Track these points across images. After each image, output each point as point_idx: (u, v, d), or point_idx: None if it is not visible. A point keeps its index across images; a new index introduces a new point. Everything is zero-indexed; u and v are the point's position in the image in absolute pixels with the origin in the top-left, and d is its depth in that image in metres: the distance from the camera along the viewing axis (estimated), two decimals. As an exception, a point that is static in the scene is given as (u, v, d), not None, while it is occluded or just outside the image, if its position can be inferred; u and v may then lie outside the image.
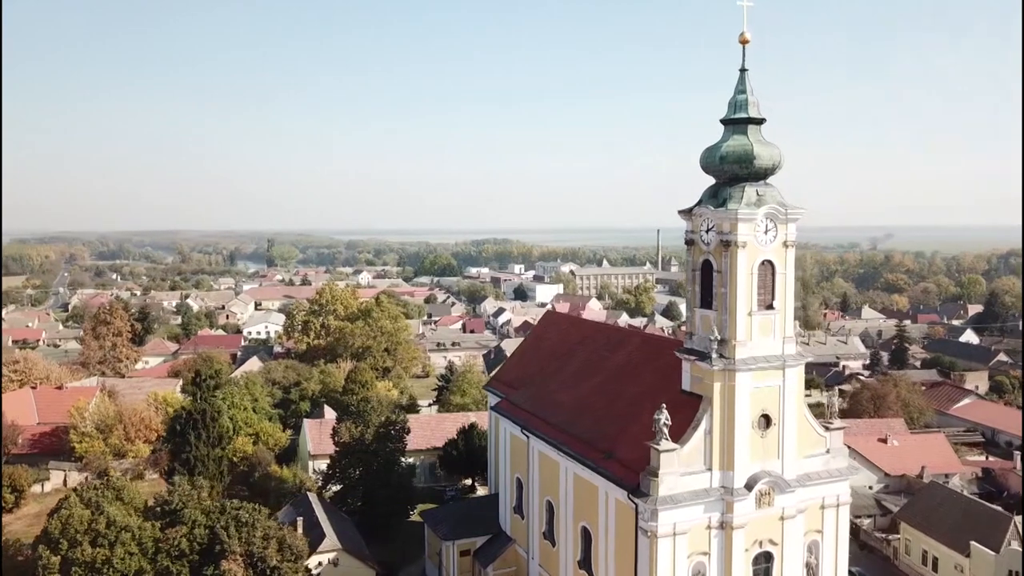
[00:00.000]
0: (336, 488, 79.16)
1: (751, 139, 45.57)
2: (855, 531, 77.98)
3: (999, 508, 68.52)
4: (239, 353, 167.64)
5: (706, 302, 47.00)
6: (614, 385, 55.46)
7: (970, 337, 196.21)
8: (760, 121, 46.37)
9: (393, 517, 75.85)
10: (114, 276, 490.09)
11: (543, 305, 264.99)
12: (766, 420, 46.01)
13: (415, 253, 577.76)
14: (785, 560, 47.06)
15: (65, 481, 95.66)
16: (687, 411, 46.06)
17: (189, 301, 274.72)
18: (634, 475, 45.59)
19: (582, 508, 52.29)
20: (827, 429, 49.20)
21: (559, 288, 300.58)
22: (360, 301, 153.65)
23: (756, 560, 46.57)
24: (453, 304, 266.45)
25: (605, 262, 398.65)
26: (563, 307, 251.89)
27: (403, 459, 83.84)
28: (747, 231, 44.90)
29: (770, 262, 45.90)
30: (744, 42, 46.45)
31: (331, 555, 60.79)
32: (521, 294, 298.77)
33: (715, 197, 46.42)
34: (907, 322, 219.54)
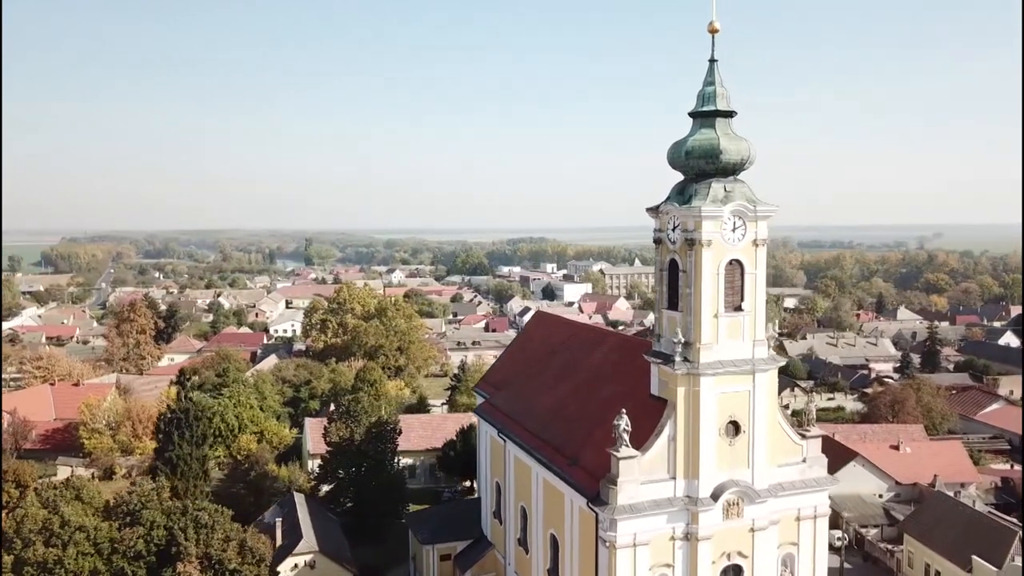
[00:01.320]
0: (328, 488, 78.64)
1: (719, 133, 43.51)
2: (859, 541, 75.16)
3: (1010, 521, 65.08)
4: (259, 351, 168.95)
5: (673, 303, 45.14)
6: (588, 388, 53.74)
7: (1010, 339, 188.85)
8: (729, 114, 44.27)
9: (384, 518, 75.15)
10: (156, 274, 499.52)
11: (570, 305, 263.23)
12: (735, 427, 43.93)
13: (451, 252, 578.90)
14: (756, 574, 44.91)
15: (71, 476, 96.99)
16: (655, 416, 44.20)
17: (221, 299, 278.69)
18: (596, 483, 43.95)
19: (551, 515, 50.78)
20: (803, 437, 46.85)
21: (587, 287, 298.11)
22: (377, 300, 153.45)
23: (724, 573, 44.56)
24: (479, 303, 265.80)
25: (637, 261, 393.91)
26: (590, 306, 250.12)
27: (398, 459, 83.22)
28: (712, 229, 42.89)
29: (739, 262, 43.81)
30: (713, 31, 44.38)
31: (307, 557, 60.07)
32: (549, 293, 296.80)
33: (681, 194, 44.54)
34: (944, 323, 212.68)
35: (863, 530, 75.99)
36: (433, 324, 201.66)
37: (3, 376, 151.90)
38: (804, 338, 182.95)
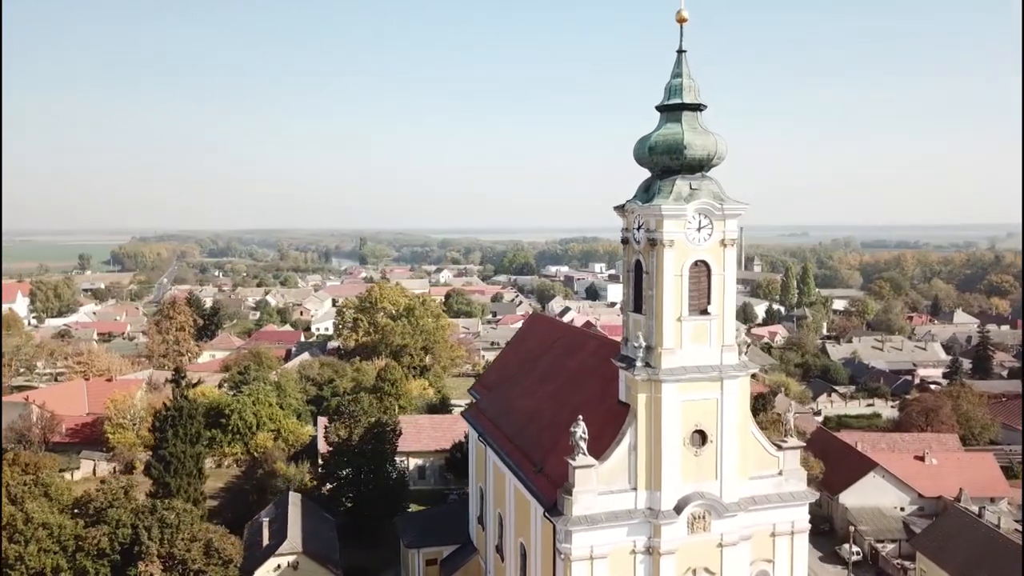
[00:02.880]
0: (328, 487, 78.45)
1: (684, 127, 41.35)
2: (875, 556, 71.54)
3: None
4: (293, 349, 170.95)
5: (638, 306, 43.15)
6: (564, 392, 52.05)
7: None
8: (697, 107, 42.03)
9: (382, 520, 74.55)
10: (216, 273, 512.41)
11: (613, 305, 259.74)
12: (701, 436, 41.74)
13: (502, 252, 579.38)
14: (726, 592, 42.59)
15: (94, 470, 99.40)
16: (621, 423, 42.36)
17: (268, 297, 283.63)
18: (555, 491, 42.32)
19: (520, 524, 49.31)
20: (779, 448, 44.31)
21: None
22: (407, 299, 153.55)
23: (690, 590, 42.35)
24: (520, 303, 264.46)
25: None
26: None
27: (402, 460, 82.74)
28: (675, 228, 40.78)
29: (704, 263, 41.58)
30: (681, 21, 42.24)
31: (291, 558, 59.77)
32: (593, 293, 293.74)
33: (646, 192, 42.54)
34: (1005, 327, 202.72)
35: (879, 545, 72.21)
36: (470, 324, 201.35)
37: (49, 370, 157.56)
38: (850, 341, 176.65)
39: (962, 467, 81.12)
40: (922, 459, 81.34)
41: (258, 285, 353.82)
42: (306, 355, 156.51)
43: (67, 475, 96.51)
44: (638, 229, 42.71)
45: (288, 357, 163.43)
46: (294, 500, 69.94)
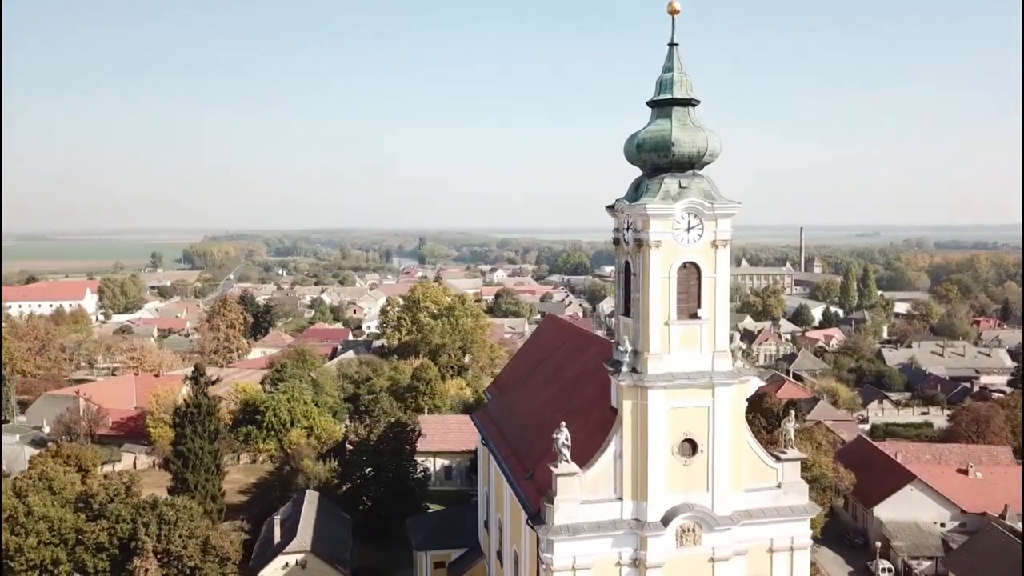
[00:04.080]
0: (347, 487, 78.79)
1: (674, 123, 39.64)
2: (907, 573, 68.07)
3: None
4: (339, 347, 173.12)
5: (628, 308, 41.65)
6: (563, 396, 50.82)
7: None
8: (688, 102, 40.23)
9: (398, 520, 74.40)
10: (280, 271, 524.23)
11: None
12: (691, 446, 39.94)
13: (560, 251, 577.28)
14: (718, 608, 40.71)
15: (135, 463, 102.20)
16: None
17: (324, 296, 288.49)
18: (540, 499, 41.15)
19: (514, 531, 48.34)
20: (778, 460, 42.14)
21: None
22: (449, 298, 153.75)
23: (680, 606, 40.61)
24: (569, 303, 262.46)
25: (744, 262, 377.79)
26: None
27: (420, 460, 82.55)
28: (661, 228, 39.11)
29: (694, 264, 39.80)
30: (673, 12, 40.49)
31: (299, 556, 60.02)
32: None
33: (636, 191, 41.01)
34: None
35: (913, 562, 68.65)
36: (516, 324, 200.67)
37: (106, 365, 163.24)
38: (909, 346, 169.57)
39: (1011, 482, 76.35)
40: (965, 472, 77.02)
41: (316, 283, 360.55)
42: (350, 353, 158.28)
43: (108, 467, 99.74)
44: (627, 229, 41.21)
45: (334, 355, 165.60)
46: (310, 499, 70.35)
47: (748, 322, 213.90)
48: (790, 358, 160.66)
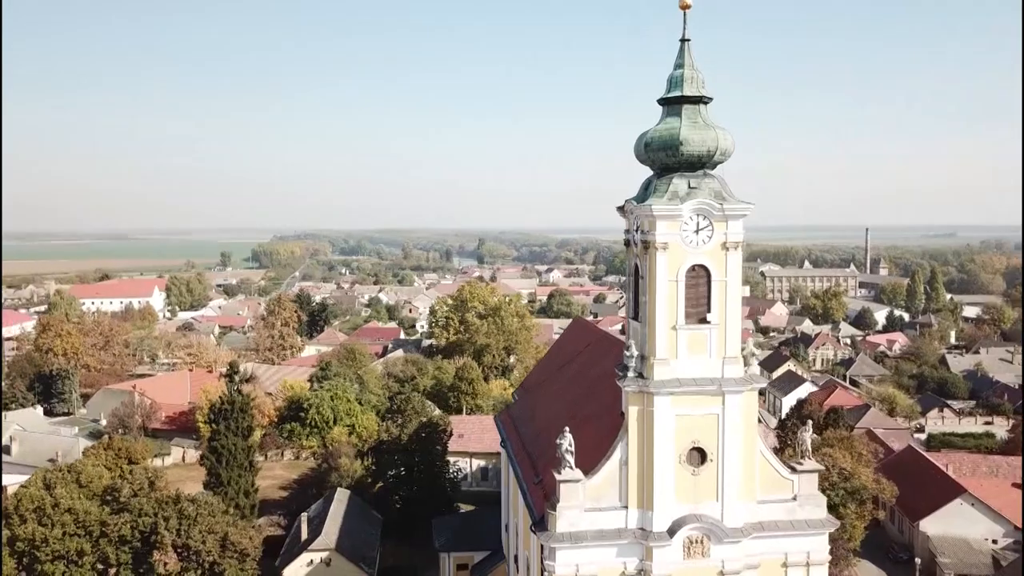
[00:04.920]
0: (379, 485, 79.31)
1: (683, 121, 38.44)
2: (953, 592, 64.82)
3: None
4: (390, 345, 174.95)
5: (637, 312, 40.63)
6: (581, 401, 50.00)
7: None
8: (699, 100, 38.95)
9: (429, 519, 74.49)
10: (343, 270, 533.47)
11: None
12: (700, 454, 38.72)
13: (620, 251, 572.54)
14: (727, 624, 39.34)
15: (183, 457, 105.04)
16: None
17: (381, 295, 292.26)
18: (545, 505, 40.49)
19: (525, 536, 47.59)
20: (794, 471, 40.48)
21: (744, 290, 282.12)
22: (496, 299, 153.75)
23: (687, 619, 39.38)
24: (623, 304, 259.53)
25: (807, 263, 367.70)
26: (742, 310, 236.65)
27: (453, 461, 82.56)
28: (668, 230, 37.98)
29: (704, 267, 38.53)
30: (685, 7, 39.30)
31: (323, 554, 60.64)
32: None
33: (646, 191, 39.96)
34: None
35: (961, 579, 65.35)
36: (567, 324, 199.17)
37: (166, 360, 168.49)
38: (976, 352, 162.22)
39: (1070, 498, 72.03)
40: (1021, 486, 72.95)
41: (375, 283, 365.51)
42: (399, 352, 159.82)
43: (158, 460, 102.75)
44: (636, 231, 40.21)
45: (384, 353, 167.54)
46: (340, 496, 71.04)
47: (807, 325, 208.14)
48: (847, 363, 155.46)
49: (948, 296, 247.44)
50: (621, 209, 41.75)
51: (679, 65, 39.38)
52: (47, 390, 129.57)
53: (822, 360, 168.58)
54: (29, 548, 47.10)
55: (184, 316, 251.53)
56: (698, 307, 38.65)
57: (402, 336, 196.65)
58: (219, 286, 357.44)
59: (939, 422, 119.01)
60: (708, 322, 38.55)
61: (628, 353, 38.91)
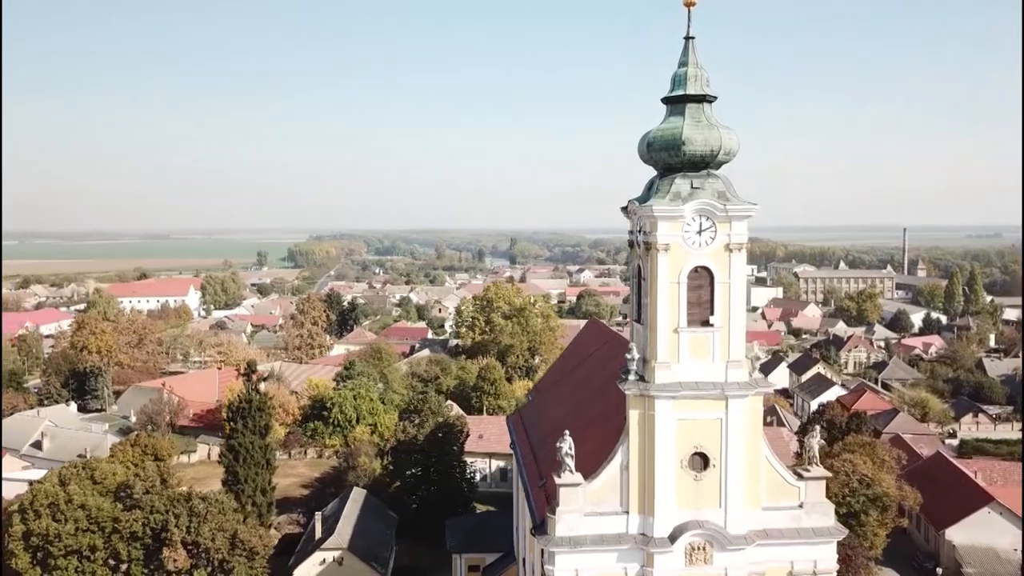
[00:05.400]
0: (396, 485, 79.50)
1: (686, 121, 37.81)
2: (978, 604, 63.01)
3: None
4: (416, 345, 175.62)
5: (640, 314, 40.10)
6: (589, 403, 49.56)
7: None
8: (703, 99, 38.29)
9: (443, 520, 74.51)
10: (377, 270, 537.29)
11: (754, 309, 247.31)
12: (702, 459, 38.08)
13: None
14: (730, 632, 38.62)
15: (208, 454, 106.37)
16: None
17: (411, 295, 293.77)
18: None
19: (529, 539, 47.24)
20: (800, 478, 39.58)
21: (777, 291, 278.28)
22: (522, 299, 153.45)
23: (689, 627, 38.72)
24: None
25: (842, 264, 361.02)
26: (774, 312, 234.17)
27: (471, 462, 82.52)
28: (670, 231, 37.40)
29: (706, 269, 37.85)
30: (689, 4, 38.68)
31: (336, 553, 60.93)
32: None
33: (649, 191, 39.42)
34: None
35: (987, 590, 63.51)
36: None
37: (198, 358, 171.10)
38: (1016, 356, 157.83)
39: (1105, 508, 69.60)
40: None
41: (406, 283, 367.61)
42: (426, 351, 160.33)
43: (184, 457, 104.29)
44: (639, 232, 39.67)
45: (411, 353, 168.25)
46: (355, 496, 71.35)
47: (840, 327, 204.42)
48: (880, 366, 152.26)
49: (988, 298, 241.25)
50: (625, 210, 41.26)
51: (683, 63, 38.79)
52: (81, 387, 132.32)
53: (854, 363, 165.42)
54: (43, 543, 48.05)
55: (218, 315, 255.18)
56: (701, 310, 38.02)
57: (430, 336, 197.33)
58: (253, 285, 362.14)
59: (973, 428, 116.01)
60: (711, 325, 37.88)
61: (630, 356, 38.36)
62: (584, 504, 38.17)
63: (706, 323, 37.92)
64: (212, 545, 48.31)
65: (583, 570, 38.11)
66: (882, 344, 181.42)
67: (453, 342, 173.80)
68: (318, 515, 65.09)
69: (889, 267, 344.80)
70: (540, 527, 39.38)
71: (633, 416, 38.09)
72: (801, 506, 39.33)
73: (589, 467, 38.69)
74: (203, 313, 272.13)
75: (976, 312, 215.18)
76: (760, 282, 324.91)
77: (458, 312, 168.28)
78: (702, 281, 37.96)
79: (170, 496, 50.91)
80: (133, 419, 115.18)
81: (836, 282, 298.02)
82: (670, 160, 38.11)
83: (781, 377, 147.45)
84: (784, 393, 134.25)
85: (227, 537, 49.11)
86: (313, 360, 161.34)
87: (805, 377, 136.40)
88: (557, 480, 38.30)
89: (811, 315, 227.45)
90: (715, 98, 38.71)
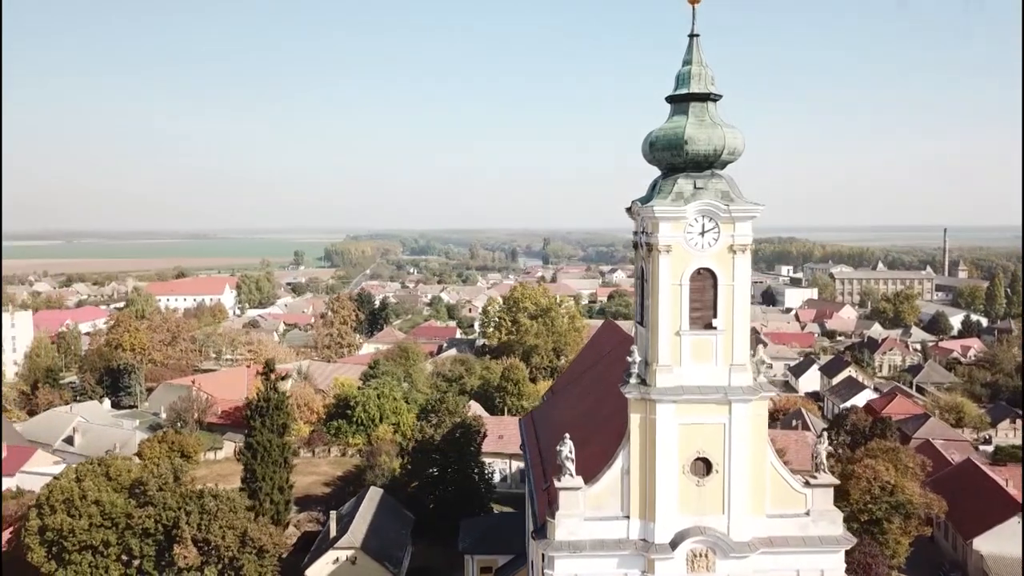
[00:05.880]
0: (414, 485, 79.57)
1: (689, 120, 37.12)
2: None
3: None
4: (444, 344, 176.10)
5: (643, 317, 39.53)
6: (598, 406, 49.06)
7: None
8: (707, 97, 37.54)
9: (459, 520, 74.45)
10: (411, 270, 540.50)
11: (788, 311, 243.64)
12: (705, 465, 37.38)
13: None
14: (734, 641, 37.85)
15: (235, 451, 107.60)
16: (627, 444, 38.99)
17: (442, 294, 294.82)
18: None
19: (532, 542, 46.94)
20: (807, 484, 38.64)
21: (813, 292, 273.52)
22: (548, 299, 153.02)
23: (692, 635, 38.06)
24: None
25: (880, 265, 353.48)
26: (808, 314, 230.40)
27: (488, 462, 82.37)
28: (671, 232, 36.74)
29: (709, 271, 37.13)
30: (694, 2, 37.99)
31: (349, 552, 61.20)
32: (770, 298, 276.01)
33: (651, 191, 38.83)
34: None
35: (1013, 603, 61.54)
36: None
37: (229, 356, 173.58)
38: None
39: None
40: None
41: (439, 282, 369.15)
42: (452, 351, 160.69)
43: (211, 454, 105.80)
44: (642, 232, 39.11)
45: (438, 352, 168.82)
46: (372, 495, 71.65)
47: (876, 329, 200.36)
48: (915, 369, 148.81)
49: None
50: (629, 210, 40.69)
51: (687, 61, 38.06)
52: (115, 384, 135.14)
53: (889, 366, 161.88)
54: (58, 538, 49.02)
55: (252, 313, 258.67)
56: (703, 312, 37.30)
57: (458, 335, 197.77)
58: (288, 284, 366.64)
59: (1010, 434, 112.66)
60: (714, 328, 37.15)
61: (632, 359, 37.80)
62: (584, 508, 37.69)
63: (709, 326, 37.20)
64: (222, 543, 48.79)
65: (583, 575, 37.68)
66: (918, 347, 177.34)
67: (480, 342, 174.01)
68: (333, 514, 65.49)
69: (929, 268, 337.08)
70: (540, 531, 39.03)
71: (634, 420, 37.50)
72: (808, 514, 38.37)
73: (593, 470, 38.24)
74: (237, 312, 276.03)
75: (1019, 314, 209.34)
76: (795, 283, 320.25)
77: (484, 312, 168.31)
78: (705, 283, 37.24)
79: (182, 493, 51.59)
80: (163, 415, 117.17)
81: (873, 283, 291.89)
82: (673, 160, 37.46)
83: (812, 380, 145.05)
84: (815, 396, 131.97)
85: (237, 535, 49.56)
86: (342, 359, 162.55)
87: (836, 380, 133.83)
88: (557, 484, 37.89)
89: (846, 317, 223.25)
90: (719, 97, 37.95)
